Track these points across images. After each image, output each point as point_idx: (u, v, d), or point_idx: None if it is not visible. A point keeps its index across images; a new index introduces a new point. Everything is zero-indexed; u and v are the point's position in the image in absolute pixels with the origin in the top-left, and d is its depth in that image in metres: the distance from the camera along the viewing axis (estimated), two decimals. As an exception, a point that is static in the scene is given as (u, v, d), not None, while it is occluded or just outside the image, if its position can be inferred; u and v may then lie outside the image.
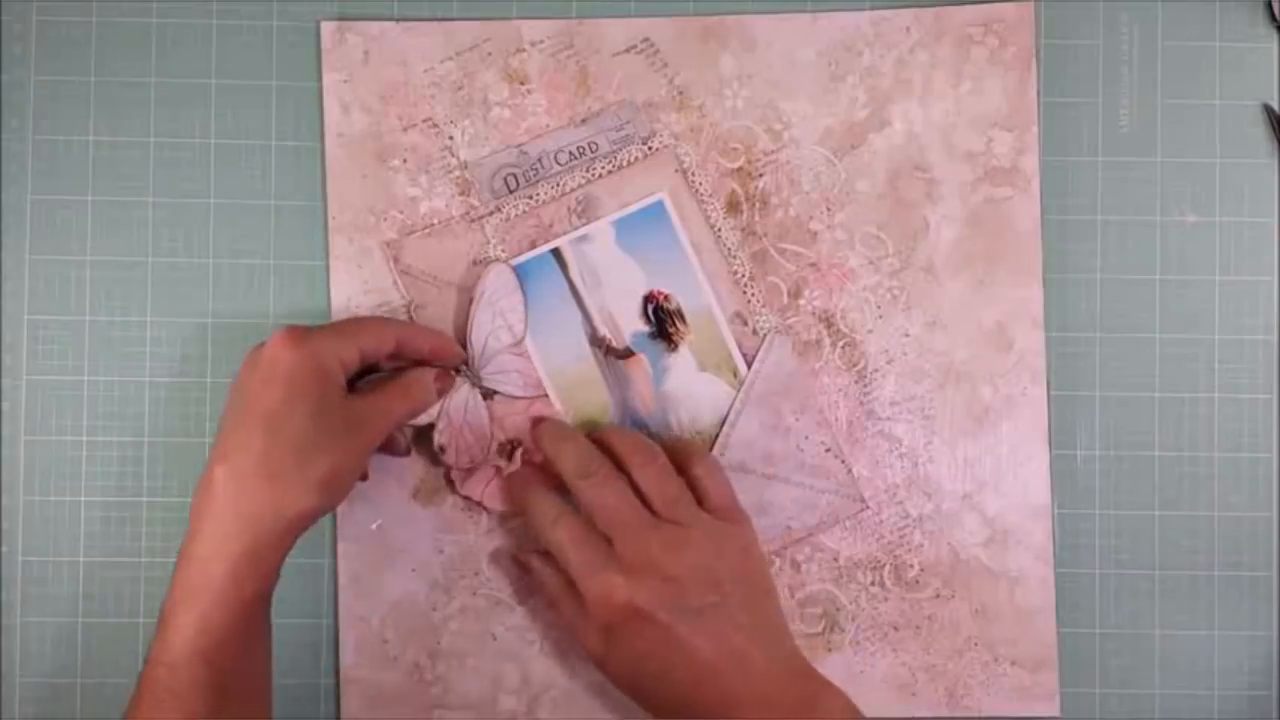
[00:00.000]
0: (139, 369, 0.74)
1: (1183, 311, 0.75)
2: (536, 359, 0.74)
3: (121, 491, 0.74)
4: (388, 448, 0.72)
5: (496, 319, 0.73)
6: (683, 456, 0.71)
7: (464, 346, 0.73)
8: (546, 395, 0.74)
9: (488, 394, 0.73)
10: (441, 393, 0.71)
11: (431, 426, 0.72)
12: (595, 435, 0.72)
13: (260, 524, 0.63)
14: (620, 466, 0.70)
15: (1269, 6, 0.76)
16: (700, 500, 0.69)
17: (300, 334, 0.66)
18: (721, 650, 0.65)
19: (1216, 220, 0.75)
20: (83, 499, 0.74)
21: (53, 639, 0.74)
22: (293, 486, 0.64)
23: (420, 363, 0.71)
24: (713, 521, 0.69)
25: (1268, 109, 0.75)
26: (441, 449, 0.72)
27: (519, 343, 0.74)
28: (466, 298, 0.73)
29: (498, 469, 0.73)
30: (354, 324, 0.70)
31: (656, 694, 0.67)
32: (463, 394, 0.73)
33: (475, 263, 0.74)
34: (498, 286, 0.73)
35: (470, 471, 0.73)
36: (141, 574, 0.74)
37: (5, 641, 0.74)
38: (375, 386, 0.69)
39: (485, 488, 0.73)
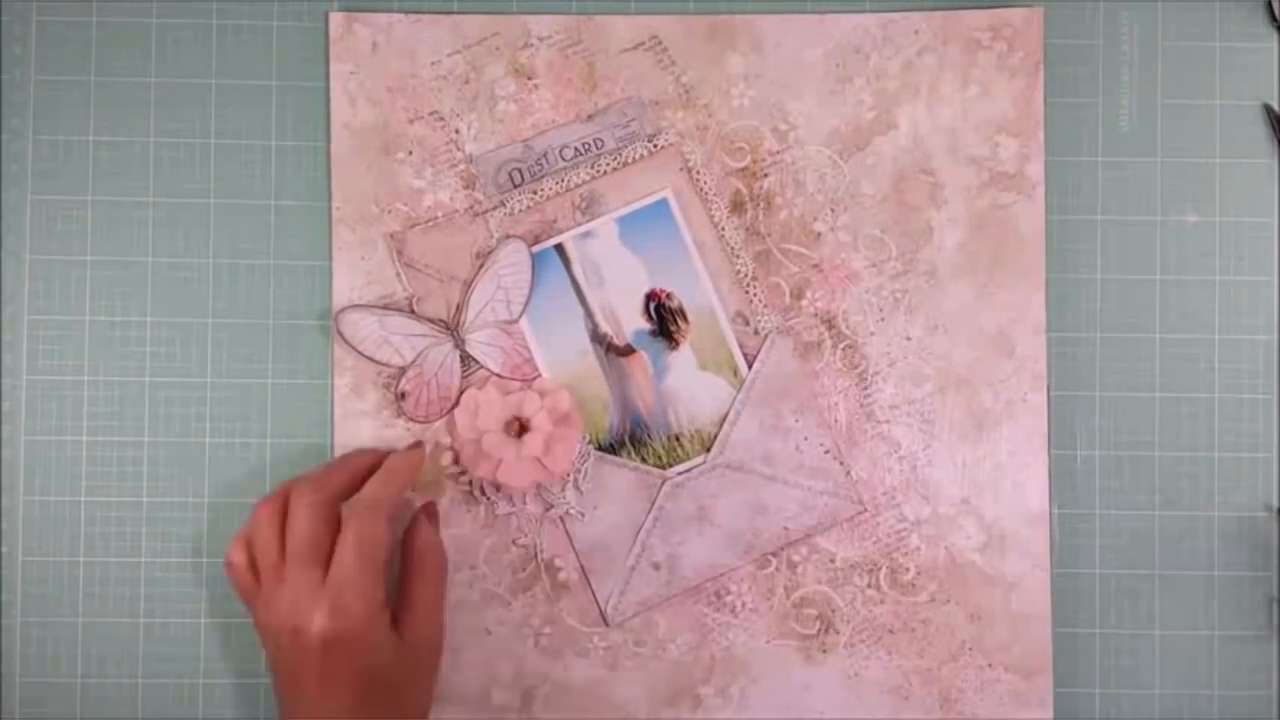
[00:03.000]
0: (139, 369, 0.74)
1: (1183, 311, 0.75)
2: (537, 353, 0.74)
3: (122, 491, 0.74)
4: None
5: (499, 292, 0.73)
6: None
7: (461, 307, 0.73)
8: (526, 383, 0.74)
9: (466, 361, 0.74)
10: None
11: (403, 373, 0.73)
12: None
13: None
14: None
15: (1269, 6, 0.76)
16: None
17: (344, 625, 0.64)
18: None
19: (1216, 220, 0.75)
20: (83, 499, 0.74)
21: (53, 639, 0.74)
22: None
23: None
24: None
25: (1268, 109, 0.75)
26: (403, 395, 0.73)
27: (513, 322, 0.74)
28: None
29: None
30: (368, 566, 0.66)
31: None
32: (443, 350, 0.73)
33: (478, 256, 0.74)
34: (509, 262, 0.73)
35: (479, 454, 0.73)
36: (141, 574, 0.74)
37: (5, 641, 0.74)
38: (404, 617, 0.69)
39: (497, 468, 0.73)
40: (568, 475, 0.74)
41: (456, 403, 0.74)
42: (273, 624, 0.65)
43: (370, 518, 0.66)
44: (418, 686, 0.68)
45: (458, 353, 0.73)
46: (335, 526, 0.66)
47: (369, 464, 0.70)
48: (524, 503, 0.74)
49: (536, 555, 0.74)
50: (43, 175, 0.74)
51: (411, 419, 0.73)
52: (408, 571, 0.69)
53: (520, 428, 0.73)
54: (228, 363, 0.74)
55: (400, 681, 0.66)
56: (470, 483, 0.74)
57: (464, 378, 0.74)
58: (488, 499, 0.74)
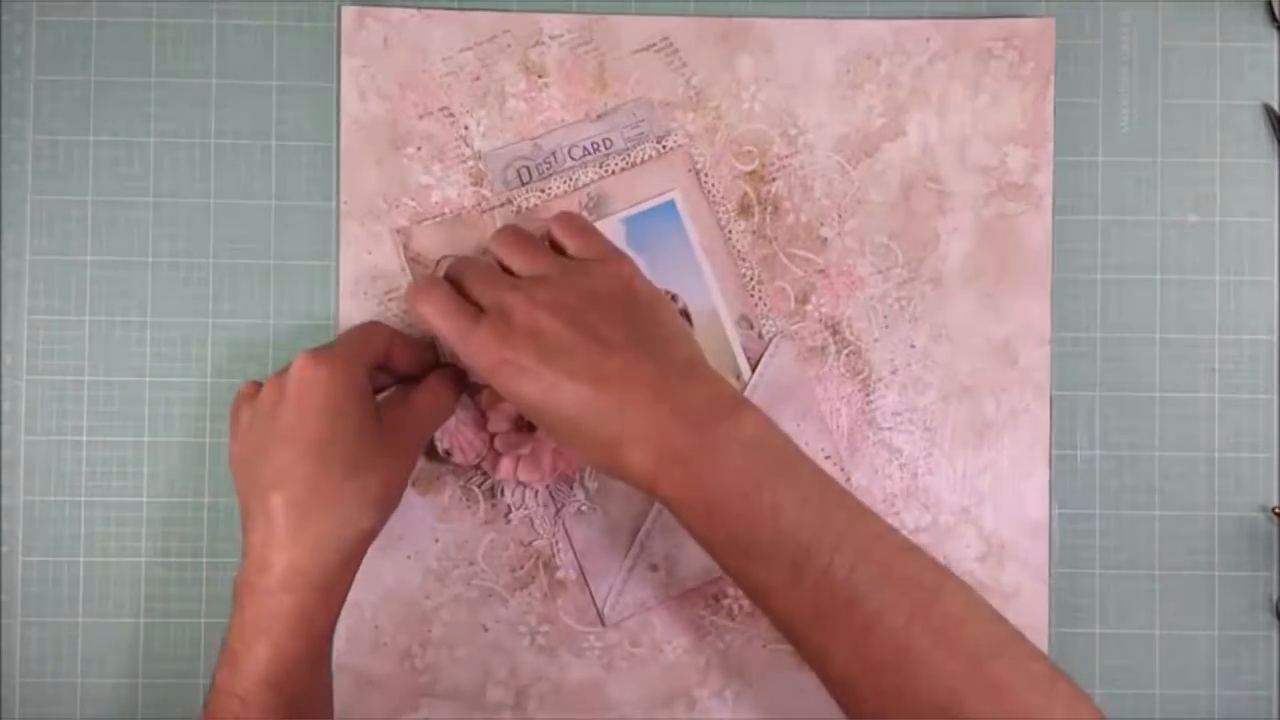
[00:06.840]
0: (139, 369, 0.74)
1: (1183, 311, 0.76)
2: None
3: (122, 491, 0.74)
4: None
5: None
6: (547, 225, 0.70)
7: (438, 348, 0.73)
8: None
9: (474, 388, 0.73)
10: (459, 392, 0.71)
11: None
12: None
13: (325, 552, 0.64)
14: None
15: (1269, 6, 0.76)
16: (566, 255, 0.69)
17: (325, 355, 0.65)
18: (600, 374, 0.62)
19: (1217, 220, 0.76)
20: (83, 499, 0.73)
21: (53, 639, 0.73)
22: (351, 509, 0.65)
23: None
24: (571, 262, 0.68)
25: (1268, 109, 0.76)
26: (448, 453, 0.72)
27: None
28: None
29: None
30: (361, 333, 0.69)
31: (563, 436, 0.65)
32: None
33: (484, 253, 0.73)
34: None
35: (495, 457, 0.73)
36: (142, 574, 0.74)
37: (5, 641, 0.73)
38: (402, 395, 0.69)
39: (516, 465, 0.73)
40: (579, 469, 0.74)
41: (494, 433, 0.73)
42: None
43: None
44: (389, 460, 0.67)
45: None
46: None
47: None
48: (538, 504, 0.74)
49: (535, 553, 0.74)
50: (43, 175, 0.73)
51: (467, 465, 0.73)
52: (412, 391, 0.69)
53: (530, 427, 0.73)
54: (228, 362, 0.74)
55: (375, 442, 0.66)
56: (481, 484, 0.74)
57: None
58: (507, 505, 0.74)
